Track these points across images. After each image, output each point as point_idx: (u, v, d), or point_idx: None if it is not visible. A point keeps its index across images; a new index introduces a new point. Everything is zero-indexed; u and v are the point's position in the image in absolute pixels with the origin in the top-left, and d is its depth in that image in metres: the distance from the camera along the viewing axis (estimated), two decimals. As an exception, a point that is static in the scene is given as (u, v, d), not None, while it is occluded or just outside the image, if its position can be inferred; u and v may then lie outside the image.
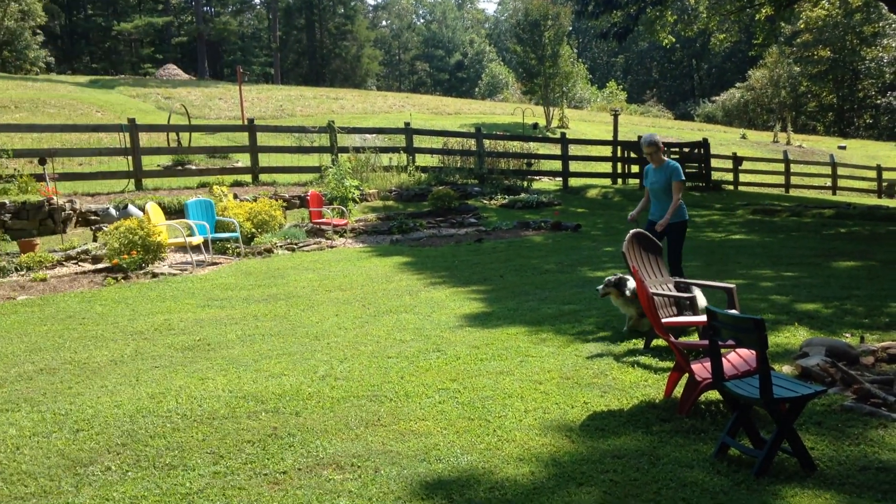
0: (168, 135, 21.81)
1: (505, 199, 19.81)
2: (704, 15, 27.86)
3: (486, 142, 23.20)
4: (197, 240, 12.31)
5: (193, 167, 19.95)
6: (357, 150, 19.63)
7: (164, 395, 5.85)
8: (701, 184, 26.01)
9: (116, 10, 79.97)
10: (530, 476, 4.59)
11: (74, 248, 12.27)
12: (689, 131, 44.93)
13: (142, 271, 11.18)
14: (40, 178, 15.04)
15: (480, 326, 8.08)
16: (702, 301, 7.32)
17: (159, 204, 13.91)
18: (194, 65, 66.27)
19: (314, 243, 14.03)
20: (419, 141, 23.03)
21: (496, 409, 5.69)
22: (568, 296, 9.47)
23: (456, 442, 5.07)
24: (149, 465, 4.61)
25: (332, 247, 14.17)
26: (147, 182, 17.03)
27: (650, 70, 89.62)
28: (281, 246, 13.57)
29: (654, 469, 4.63)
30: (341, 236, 15.17)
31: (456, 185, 20.39)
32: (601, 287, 7.73)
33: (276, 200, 15.38)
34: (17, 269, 11.21)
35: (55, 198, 14.14)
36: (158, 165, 20.21)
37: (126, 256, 11.17)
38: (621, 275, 7.83)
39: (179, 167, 19.67)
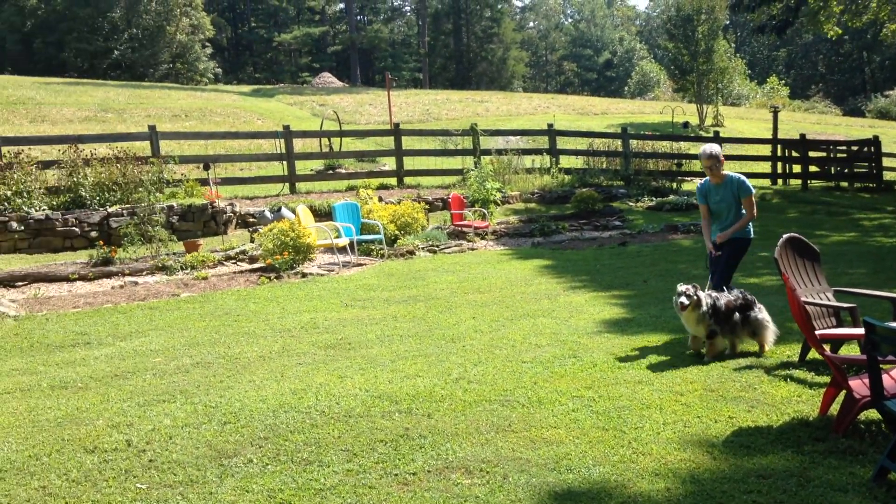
0: (320, 140, 22.69)
1: (652, 201, 19.26)
2: (874, 4, 25.93)
3: (633, 142, 22.65)
4: (343, 241, 12.72)
5: (343, 171, 20.65)
6: (499, 152, 19.68)
7: (306, 392, 6.06)
8: (871, 184, 24.25)
9: (277, 21, 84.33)
10: (665, 492, 4.40)
11: (233, 248, 12.98)
12: (858, 128, 42.03)
13: (292, 271, 11.67)
14: (204, 182, 16.03)
15: (620, 333, 7.88)
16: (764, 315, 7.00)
17: (309, 207, 14.48)
18: (347, 72, 68.69)
19: (455, 245, 14.17)
20: (563, 142, 22.79)
21: (633, 419, 5.51)
22: (714, 302, 9.05)
23: (588, 452, 4.95)
24: (287, 459, 4.78)
25: (472, 249, 14.26)
26: (300, 186, 17.79)
27: (815, 64, 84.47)
28: (422, 248, 13.79)
29: (802, 491, 4.34)
30: (482, 238, 15.25)
31: (600, 187, 20.01)
32: (682, 298, 6.89)
33: (419, 203, 15.65)
34: (182, 268, 11.98)
35: (217, 201, 15.02)
36: (311, 170, 21.07)
37: (278, 257, 11.71)
38: (696, 285, 7.21)
39: (330, 171, 20.43)
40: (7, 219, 12.86)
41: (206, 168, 16.29)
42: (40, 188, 13.75)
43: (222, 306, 9.57)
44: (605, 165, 22.13)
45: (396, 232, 14.18)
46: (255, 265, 12.19)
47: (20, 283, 11.06)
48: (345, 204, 13.68)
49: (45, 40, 64.10)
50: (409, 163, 20.45)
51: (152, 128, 15.92)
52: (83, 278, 11.41)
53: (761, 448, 5.00)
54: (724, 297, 7.08)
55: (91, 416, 5.56)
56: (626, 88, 71.57)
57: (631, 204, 19.35)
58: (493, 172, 18.50)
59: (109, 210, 13.77)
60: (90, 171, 14.24)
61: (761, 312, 7.01)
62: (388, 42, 78.28)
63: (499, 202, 16.86)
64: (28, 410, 5.70)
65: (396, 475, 4.61)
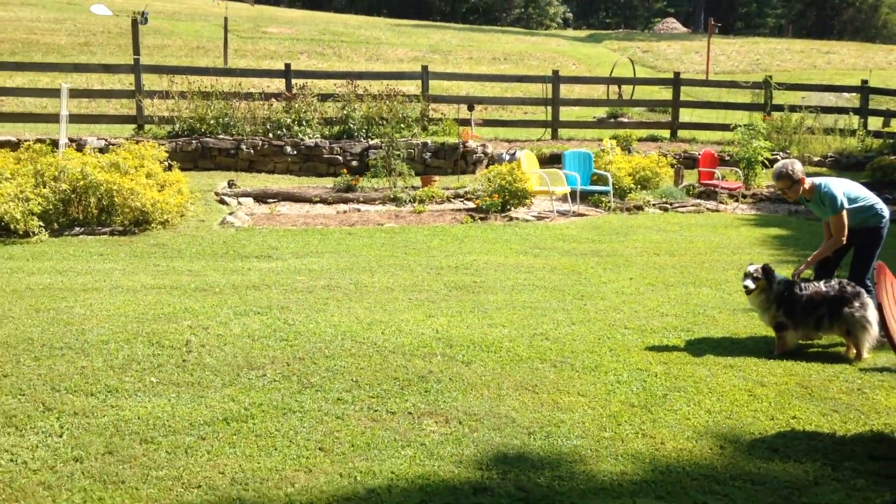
0: (608, 87, 22.25)
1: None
2: None
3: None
4: (562, 190, 12.60)
5: (626, 120, 20.13)
6: (793, 108, 17.71)
7: (381, 325, 6.38)
8: None
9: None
10: (617, 476, 4.11)
11: (464, 187, 13.53)
12: None
13: (501, 214, 11.90)
14: (466, 122, 16.72)
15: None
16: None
17: (539, 154, 14.48)
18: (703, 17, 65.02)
19: (692, 205, 13.28)
20: (877, 102, 19.78)
21: (676, 402, 5.05)
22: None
23: (586, 424, 4.69)
24: (296, 380, 5.19)
25: (715, 210, 13.26)
26: (563, 132, 17.74)
27: None
28: (654, 204, 13.14)
29: None
30: (735, 200, 14.07)
31: (915, 156, 17.16)
32: (748, 281, 6.03)
33: (666, 157, 14.81)
34: (411, 201, 12.81)
35: (470, 141, 15.64)
36: (594, 117, 20.84)
37: (488, 199, 12.00)
38: (769, 266, 6.11)
39: (612, 119, 20.03)
40: (284, 143, 14.70)
41: (470, 109, 16.95)
42: (318, 118, 15.43)
43: (409, 239, 10.15)
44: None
45: (632, 186, 13.65)
46: (470, 205, 12.60)
47: (271, 200, 12.69)
48: (575, 152, 13.47)
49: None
50: (687, 115, 19.28)
51: (424, 68, 16.91)
52: (323, 201, 12.74)
53: (791, 455, 4.38)
54: (812, 287, 5.99)
55: (189, 316, 6.45)
56: None
57: (948, 178, 16.36)
58: (774, 130, 16.78)
59: (371, 142, 15.05)
60: (362, 106, 15.62)
61: (863, 310, 5.81)
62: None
63: (766, 164, 15.29)
64: (150, 305, 6.75)
65: (376, 411, 4.78)
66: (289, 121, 15.08)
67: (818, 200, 6.35)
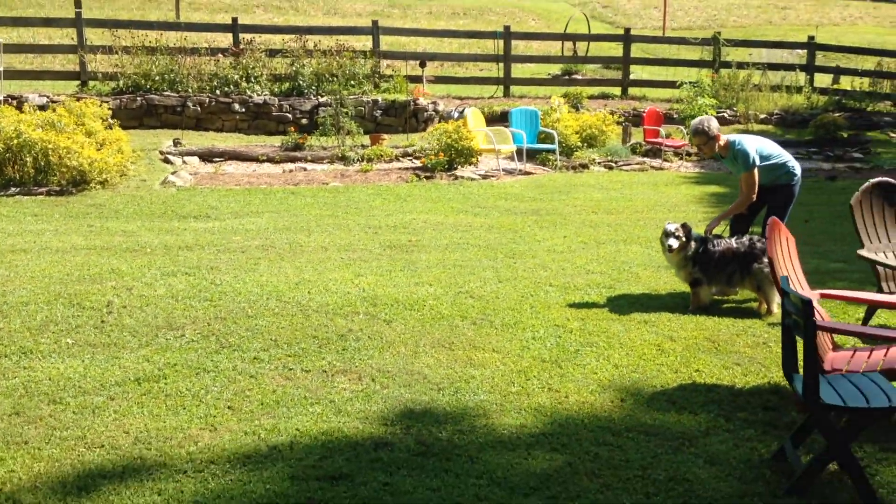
0: (563, 43, 22.19)
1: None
2: None
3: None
4: (508, 148, 12.67)
5: (580, 77, 20.13)
6: (740, 66, 17.85)
7: (308, 285, 6.45)
8: None
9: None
10: (516, 429, 4.26)
11: (412, 146, 13.52)
12: None
13: (447, 173, 11.94)
14: (418, 79, 16.63)
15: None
16: None
17: (490, 112, 14.51)
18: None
19: (636, 163, 13.44)
20: (827, 59, 19.99)
21: (586, 357, 5.23)
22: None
23: (495, 379, 4.84)
24: (214, 340, 5.26)
25: (659, 168, 13.44)
26: (514, 89, 17.73)
27: None
28: (599, 162, 13.28)
29: (665, 456, 3.99)
30: (680, 158, 14.25)
31: (861, 113, 17.46)
32: (671, 240, 6.14)
33: (613, 115, 14.89)
34: (359, 160, 12.79)
35: (421, 99, 15.58)
36: (548, 74, 20.81)
37: (433, 157, 12.03)
38: (687, 224, 6.26)
39: (567, 77, 20.02)
40: (232, 100, 14.52)
41: (422, 65, 16.84)
42: (267, 75, 15.25)
43: (351, 199, 10.17)
44: (890, 90, 19.08)
45: (579, 144, 13.74)
46: (416, 164, 12.62)
47: (217, 159, 12.60)
48: (522, 110, 13.51)
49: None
50: (638, 71, 19.36)
51: (375, 23, 16.75)
52: (270, 160, 12.68)
53: (687, 407, 4.57)
54: (724, 243, 6.19)
55: (114, 277, 6.47)
56: None
57: (893, 135, 16.70)
58: (722, 87, 16.95)
59: (321, 100, 14.92)
60: (311, 62, 15.45)
61: (766, 263, 6.01)
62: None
63: (713, 120, 15.45)
64: (76, 266, 6.75)
65: (291, 370, 4.88)
66: (237, 77, 14.91)
67: (732, 157, 6.50)
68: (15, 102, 12.72)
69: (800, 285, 4.79)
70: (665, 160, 14.10)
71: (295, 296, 6.14)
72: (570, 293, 6.53)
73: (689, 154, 14.45)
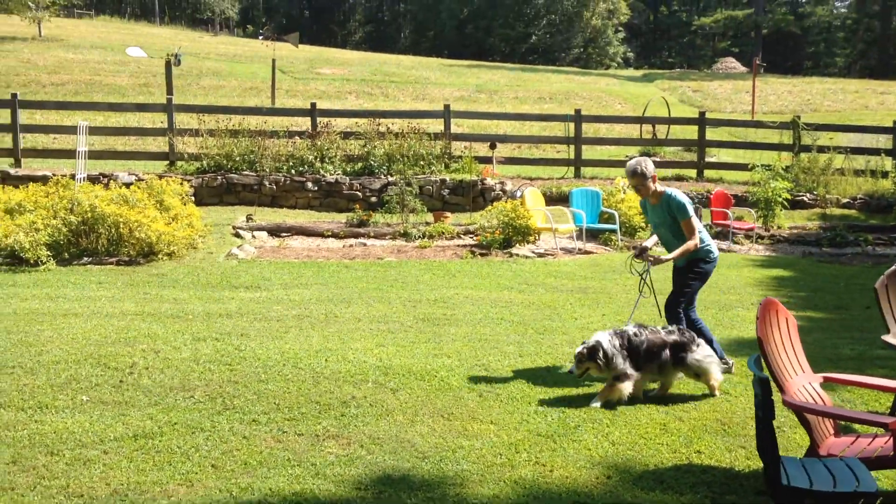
0: (641, 126, 22.23)
1: None
2: None
3: None
4: (565, 227, 12.69)
5: (658, 159, 20.06)
6: (821, 149, 17.41)
7: (328, 353, 6.60)
8: None
9: (700, 5, 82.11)
10: (483, 498, 4.23)
11: (474, 223, 13.72)
12: None
13: (503, 250, 12.04)
14: (487, 160, 16.96)
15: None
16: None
17: (558, 192, 14.60)
18: (770, 57, 63.91)
19: (701, 244, 13.17)
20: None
21: (584, 433, 5.15)
22: None
23: (483, 451, 4.78)
24: (220, 401, 5.45)
25: (727, 250, 13.12)
26: (586, 170, 17.81)
27: None
28: (664, 243, 13.09)
29: None
30: (752, 241, 13.91)
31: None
32: (573, 366, 5.88)
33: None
34: (420, 237, 13.06)
35: (488, 178, 15.86)
36: (626, 156, 20.82)
37: (488, 235, 12.17)
38: (596, 340, 5.86)
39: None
40: (305, 179, 15.17)
41: (492, 147, 17.18)
42: (340, 155, 15.89)
43: (401, 273, 10.37)
44: None
45: (642, 224, 13.63)
46: (476, 241, 12.78)
47: (285, 234, 13.12)
48: (583, 190, 13.55)
49: (476, 26, 70.99)
50: (714, 153, 19.13)
51: (447, 107, 17.27)
52: (335, 235, 13.10)
53: (675, 487, 4.46)
54: (646, 334, 5.92)
55: (147, 340, 6.78)
56: None
57: None
58: (802, 170, 16.57)
59: (390, 179, 15.40)
60: (383, 144, 16.03)
61: (698, 352, 5.83)
62: (821, 26, 71.38)
63: (786, 205, 15.06)
64: (116, 329, 7.12)
65: (285, 433, 4.99)
66: (311, 157, 15.57)
67: (664, 203, 6.35)
68: (106, 180, 13.69)
69: (800, 367, 4.61)
70: (735, 242, 13.79)
71: (311, 363, 6.29)
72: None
73: (760, 237, 14.11)
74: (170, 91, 16.13)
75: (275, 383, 5.81)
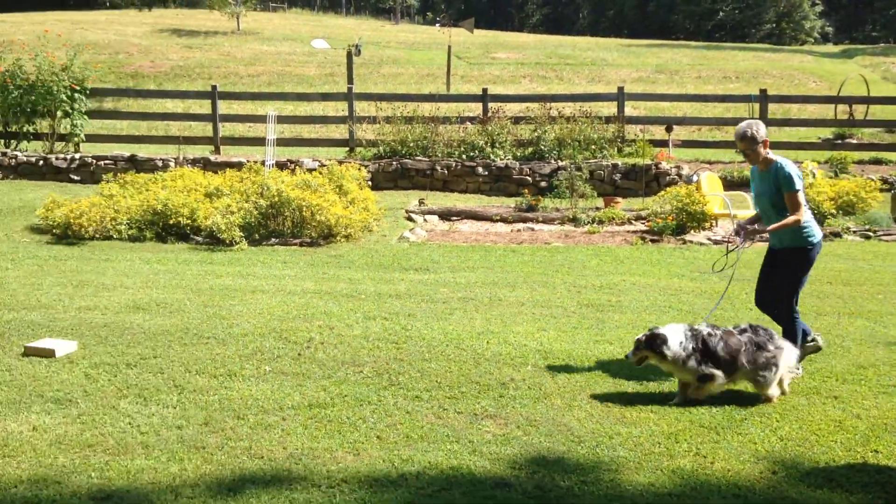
0: (835, 106, 20.76)
1: None
2: None
3: None
4: (745, 213, 12.10)
5: (853, 141, 18.74)
6: None
7: (490, 335, 6.75)
8: None
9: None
10: (639, 486, 4.20)
11: (645, 209, 13.42)
12: None
13: (676, 236, 11.71)
14: (663, 143, 16.49)
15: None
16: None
17: (740, 176, 13.93)
18: None
19: (901, 233, 12.18)
20: None
21: (750, 426, 5.01)
22: None
23: (641, 439, 4.77)
24: (386, 377, 5.75)
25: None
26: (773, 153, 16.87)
27: None
28: (854, 231, 12.22)
29: None
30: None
31: None
32: (630, 353, 5.56)
33: (874, 182, 13.62)
34: (589, 222, 12.97)
35: (663, 162, 15.44)
36: (818, 138, 19.57)
37: (660, 220, 11.86)
38: (656, 328, 5.49)
39: (839, 141, 18.73)
40: (475, 164, 15.43)
41: (668, 130, 16.66)
42: (511, 140, 16.02)
43: (568, 259, 10.36)
44: None
45: (833, 211, 12.77)
46: (641, 227, 12.50)
47: (455, 218, 13.44)
48: (765, 174, 12.86)
49: (658, 3, 68.75)
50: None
51: (620, 89, 16.89)
52: (503, 220, 13.28)
53: (844, 486, 4.32)
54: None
55: (323, 317, 7.21)
56: None
57: None
58: None
59: (560, 164, 15.35)
60: (553, 128, 15.99)
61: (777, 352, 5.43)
62: None
63: None
64: (297, 306, 7.61)
65: (445, 410, 5.22)
66: (482, 143, 15.81)
67: (771, 172, 5.94)
68: (292, 166, 14.59)
69: None
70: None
71: (473, 344, 6.47)
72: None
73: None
74: (350, 81, 16.91)
75: (437, 362, 6.03)
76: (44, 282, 8.39)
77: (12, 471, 4.24)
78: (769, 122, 17.14)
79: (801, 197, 5.88)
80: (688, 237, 11.74)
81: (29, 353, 6.03)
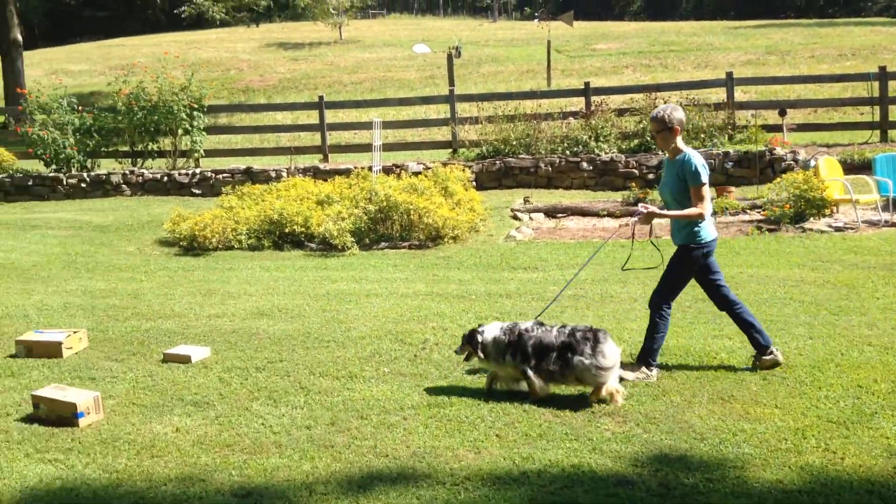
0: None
1: None
2: None
3: None
4: (868, 198, 11.59)
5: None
6: None
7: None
8: None
9: None
10: (766, 483, 4.13)
11: (761, 198, 12.99)
12: None
13: (794, 225, 11.28)
14: (776, 128, 15.91)
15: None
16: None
17: (861, 159, 13.29)
18: None
19: None
20: None
21: (882, 421, 4.83)
22: None
23: (766, 436, 4.67)
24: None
25: None
26: (893, 134, 16.01)
27: None
28: None
29: None
30: None
31: None
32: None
33: None
34: (702, 213, 12.68)
35: (778, 148, 14.91)
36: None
37: (776, 209, 11.47)
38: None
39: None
40: (580, 159, 15.31)
41: (782, 114, 16.03)
42: (615, 133, 15.82)
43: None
44: None
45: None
46: (758, 217, 12.10)
47: (560, 215, 13.39)
48: (889, 156, 12.20)
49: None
50: None
51: (729, 74, 16.39)
52: (611, 215, 13.13)
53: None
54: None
55: (436, 319, 7.37)
56: None
57: None
58: None
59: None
60: (660, 119, 15.69)
61: (591, 356, 5.20)
62: None
63: None
64: (410, 308, 7.79)
65: (562, 409, 5.20)
66: (586, 137, 15.69)
67: (678, 164, 5.66)
68: (398, 171, 14.88)
69: None
70: None
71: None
72: (892, 354, 5.93)
73: None
74: (451, 83, 17.10)
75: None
76: (175, 292, 8.91)
77: (161, 470, 4.55)
78: (891, 101, 16.28)
79: (706, 191, 5.64)
80: (807, 225, 11.30)
81: (167, 359, 6.45)
